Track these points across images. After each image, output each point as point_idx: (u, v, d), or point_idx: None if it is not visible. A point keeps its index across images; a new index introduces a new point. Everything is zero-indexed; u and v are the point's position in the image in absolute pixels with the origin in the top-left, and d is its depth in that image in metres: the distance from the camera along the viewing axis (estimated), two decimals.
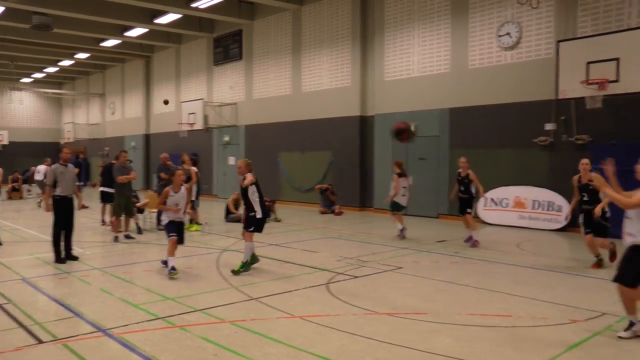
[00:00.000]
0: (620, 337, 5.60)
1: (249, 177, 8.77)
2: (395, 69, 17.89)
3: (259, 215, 8.84)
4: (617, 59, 12.21)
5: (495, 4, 15.33)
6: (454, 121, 16.28)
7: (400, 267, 9.27)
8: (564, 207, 13.59)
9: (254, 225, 8.90)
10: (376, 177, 18.45)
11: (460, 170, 12.02)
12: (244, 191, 8.85)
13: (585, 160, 9.48)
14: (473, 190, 11.91)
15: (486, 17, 15.53)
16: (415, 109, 17.19)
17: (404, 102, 17.54)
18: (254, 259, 8.99)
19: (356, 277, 8.63)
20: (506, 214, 14.82)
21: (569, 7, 13.87)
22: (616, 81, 12.22)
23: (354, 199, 19.06)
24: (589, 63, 12.61)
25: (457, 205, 12.27)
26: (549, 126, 14.17)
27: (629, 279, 5.61)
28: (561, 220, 13.51)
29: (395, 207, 12.67)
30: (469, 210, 11.90)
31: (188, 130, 25.32)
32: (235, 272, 8.72)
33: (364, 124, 19.03)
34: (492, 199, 14.95)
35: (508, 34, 14.99)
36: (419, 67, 17.22)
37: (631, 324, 5.65)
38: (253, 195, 8.81)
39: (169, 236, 8.73)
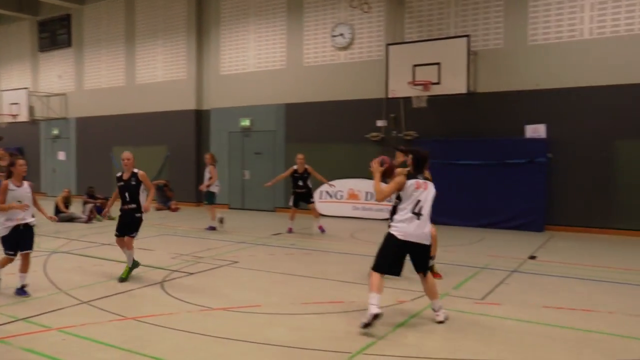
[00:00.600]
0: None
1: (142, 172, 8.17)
2: (232, 64, 17.93)
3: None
4: (438, 64, 13.40)
5: (329, 6, 16.00)
6: (290, 116, 16.75)
7: (236, 262, 9.35)
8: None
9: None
10: None
11: (296, 167, 12.43)
12: (133, 187, 8.07)
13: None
14: (310, 184, 12.43)
15: (320, 17, 16.16)
16: (252, 104, 17.42)
17: (241, 96, 17.66)
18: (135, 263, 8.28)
19: (191, 273, 8.54)
20: (341, 206, 15.62)
21: (397, 14, 14.93)
22: (438, 83, 13.42)
23: (190, 195, 18.75)
24: (414, 66, 13.68)
25: (293, 199, 12.73)
26: (380, 123, 15.15)
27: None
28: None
29: (211, 198, 13.29)
30: (312, 200, 12.66)
31: (10, 122, 23.03)
32: (123, 279, 8.01)
33: (200, 118, 18.82)
34: (327, 192, 15.65)
35: (342, 34, 15.74)
36: (255, 63, 17.43)
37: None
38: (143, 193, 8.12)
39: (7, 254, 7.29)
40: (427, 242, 5.96)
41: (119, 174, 8.32)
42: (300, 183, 12.45)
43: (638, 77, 12.13)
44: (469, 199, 13.50)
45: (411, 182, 5.98)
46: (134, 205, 8.08)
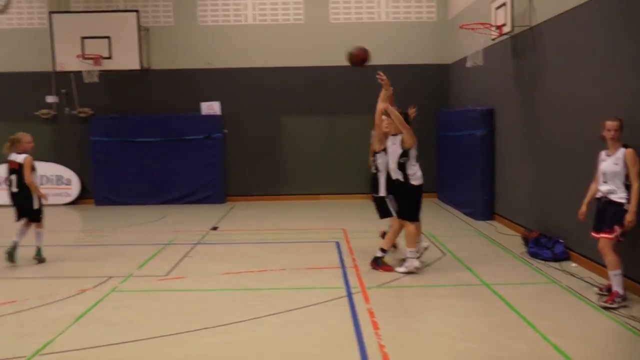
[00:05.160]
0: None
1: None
2: None
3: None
4: (108, 37, 12.90)
5: None
6: None
7: None
8: (74, 179, 13.79)
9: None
10: None
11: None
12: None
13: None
14: None
15: None
16: None
17: None
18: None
19: None
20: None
21: None
22: (109, 58, 12.93)
23: None
24: (83, 38, 12.89)
25: None
26: (50, 99, 13.92)
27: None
28: (71, 193, 13.70)
29: None
30: None
31: None
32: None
33: None
34: None
35: None
36: None
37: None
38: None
39: None
40: None
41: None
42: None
43: (296, 61, 13.73)
44: (149, 177, 13.48)
45: None
46: None
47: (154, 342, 4.98)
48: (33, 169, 7.79)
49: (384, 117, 7.13)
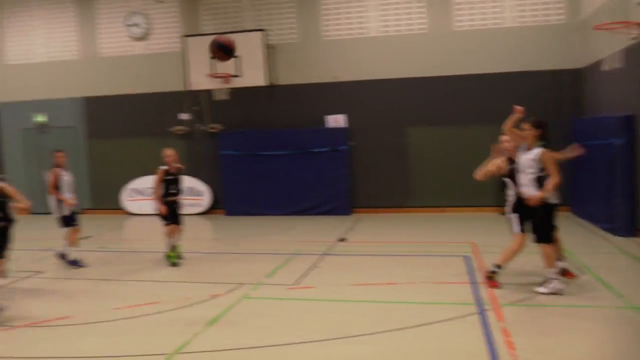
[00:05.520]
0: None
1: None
2: (18, 52, 16.12)
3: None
4: (237, 57, 13.53)
5: None
6: (90, 111, 15.62)
7: (39, 272, 8.52)
8: (205, 191, 14.63)
9: None
10: (8, 174, 16.36)
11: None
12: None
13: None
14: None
15: (112, 4, 15.29)
16: (47, 97, 15.85)
17: (32, 89, 15.94)
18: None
19: None
20: (151, 203, 14.99)
21: (191, 4, 14.73)
22: (238, 76, 13.59)
23: None
24: (213, 58, 13.62)
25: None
26: (183, 116, 14.88)
27: None
28: (203, 203, 14.53)
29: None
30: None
31: None
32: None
33: None
34: (135, 189, 15.01)
35: (136, 24, 15.08)
36: (45, 52, 15.93)
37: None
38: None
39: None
40: None
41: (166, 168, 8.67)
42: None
43: (420, 71, 13.55)
44: (277, 189, 13.95)
45: None
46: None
47: (282, 349, 5.10)
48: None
49: (504, 137, 6.88)
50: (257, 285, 7.24)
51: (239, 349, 5.12)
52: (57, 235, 8.92)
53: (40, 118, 15.98)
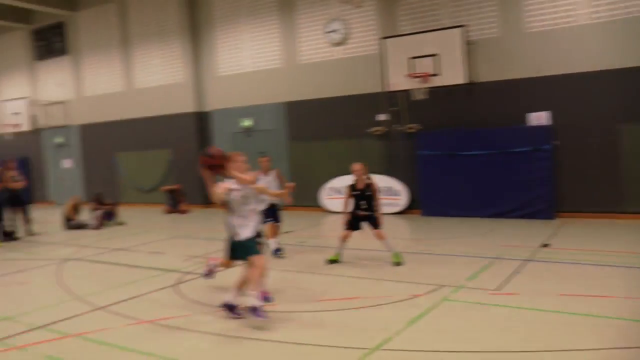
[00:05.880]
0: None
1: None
2: (228, 64, 17.91)
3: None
4: (435, 55, 13.41)
5: (320, 2, 15.95)
6: (291, 115, 16.72)
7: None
8: (402, 191, 14.74)
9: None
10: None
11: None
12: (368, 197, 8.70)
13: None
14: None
15: (313, 14, 16.09)
16: (252, 104, 17.40)
17: (240, 97, 17.64)
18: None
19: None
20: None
21: (389, 6, 14.87)
22: (436, 75, 13.42)
23: (197, 197, 18.74)
24: (412, 58, 13.68)
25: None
26: (381, 117, 15.14)
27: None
28: (400, 203, 14.65)
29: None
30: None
31: (13, 133, 23.01)
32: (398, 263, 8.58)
33: (202, 120, 18.79)
34: (333, 188, 15.67)
35: (335, 30, 15.69)
36: (252, 62, 17.40)
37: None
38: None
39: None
40: None
41: (352, 183, 8.92)
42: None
43: (632, 61, 12.05)
44: (475, 190, 13.47)
45: None
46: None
47: (483, 356, 4.88)
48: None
49: None
50: (458, 288, 7.05)
51: (438, 351, 5.02)
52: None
53: (247, 122, 17.57)
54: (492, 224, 12.29)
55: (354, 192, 8.81)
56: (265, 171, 9.67)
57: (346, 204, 8.90)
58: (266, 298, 6.47)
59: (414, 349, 5.09)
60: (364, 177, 8.82)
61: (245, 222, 6.09)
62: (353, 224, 8.87)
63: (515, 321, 5.81)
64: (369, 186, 8.78)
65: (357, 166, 8.83)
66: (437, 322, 5.85)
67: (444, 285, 7.17)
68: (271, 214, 9.50)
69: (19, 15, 22.65)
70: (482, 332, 5.49)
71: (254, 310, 5.73)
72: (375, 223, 8.77)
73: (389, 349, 5.11)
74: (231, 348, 5.36)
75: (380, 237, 8.78)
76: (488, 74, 13.63)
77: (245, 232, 6.07)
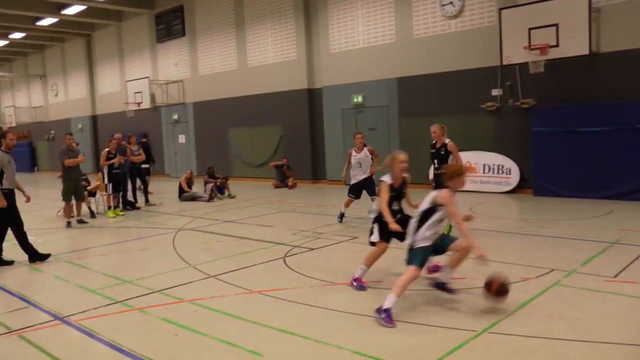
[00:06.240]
0: None
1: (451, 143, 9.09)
2: (341, 41, 17.91)
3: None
4: (556, 25, 12.56)
5: None
6: (402, 90, 16.48)
7: (355, 237, 9.40)
8: (513, 169, 14.12)
9: None
10: (327, 149, 18.59)
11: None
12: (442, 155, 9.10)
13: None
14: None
15: None
16: (363, 80, 17.35)
17: (351, 73, 17.64)
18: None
19: (312, 249, 8.74)
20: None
21: None
22: (556, 46, 12.59)
23: (306, 172, 19.15)
24: (530, 29, 12.93)
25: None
26: (495, 92, 14.52)
27: None
28: (511, 182, 14.06)
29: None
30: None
31: (135, 110, 24.74)
32: None
33: (312, 96, 19.04)
34: None
35: (451, 2, 15.18)
36: (364, 38, 17.28)
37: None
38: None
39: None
40: None
41: (433, 142, 9.35)
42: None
43: None
44: (594, 169, 12.58)
45: None
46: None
47: (597, 347, 4.58)
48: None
49: None
50: (570, 273, 6.67)
51: (549, 338, 4.78)
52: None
53: (358, 99, 17.51)
54: (610, 206, 11.48)
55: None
56: (360, 148, 10.54)
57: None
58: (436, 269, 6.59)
59: (522, 334, 4.88)
60: (443, 138, 9.32)
61: (432, 237, 5.94)
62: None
63: (634, 311, 5.41)
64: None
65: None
66: (548, 308, 5.56)
67: (555, 269, 6.80)
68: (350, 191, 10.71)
69: (144, 2, 24.18)
70: (596, 321, 5.15)
71: (385, 312, 5.45)
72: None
73: (498, 332, 4.95)
74: (339, 322, 5.43)
75: None
76: (615, 43, 12.60)
77: (425, 243, 5.87)
